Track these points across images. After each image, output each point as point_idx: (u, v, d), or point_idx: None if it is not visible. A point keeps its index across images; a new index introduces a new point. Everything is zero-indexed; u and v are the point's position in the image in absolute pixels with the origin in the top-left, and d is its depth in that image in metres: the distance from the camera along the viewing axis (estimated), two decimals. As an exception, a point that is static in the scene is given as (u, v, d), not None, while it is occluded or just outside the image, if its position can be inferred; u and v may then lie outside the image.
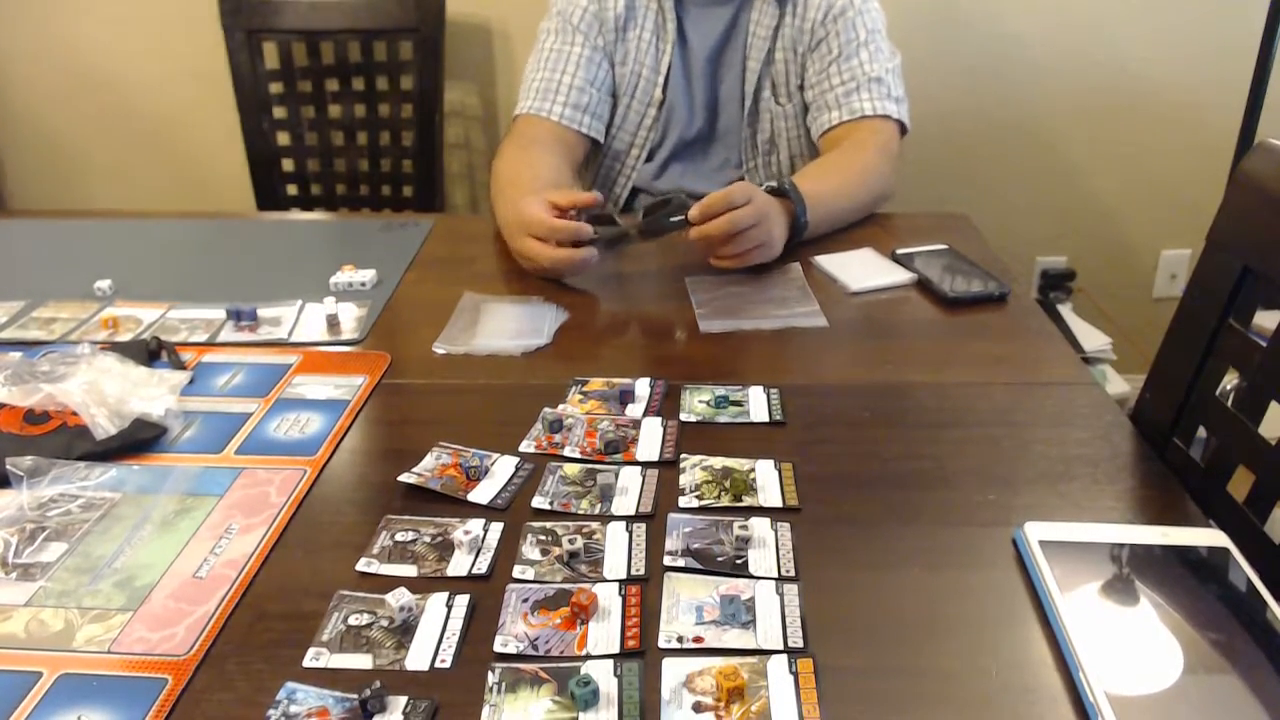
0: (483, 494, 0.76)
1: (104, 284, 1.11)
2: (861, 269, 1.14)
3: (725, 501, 0.75)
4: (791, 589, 0.66)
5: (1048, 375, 0.94)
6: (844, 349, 1.00)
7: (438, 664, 0.61)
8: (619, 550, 0.70)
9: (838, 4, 1.36)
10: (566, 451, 0.81)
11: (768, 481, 0.77)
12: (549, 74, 1.37)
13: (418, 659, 0.61)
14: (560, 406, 0.88)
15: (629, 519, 0.73)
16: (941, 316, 1.05)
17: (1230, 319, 0.81)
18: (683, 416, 0.86)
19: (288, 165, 1.98)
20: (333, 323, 1.04)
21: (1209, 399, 0.82)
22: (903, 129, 1.36)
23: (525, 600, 0.65)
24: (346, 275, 1.13)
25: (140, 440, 0.83)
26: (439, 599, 0.65)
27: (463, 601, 0.65)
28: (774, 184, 1.17)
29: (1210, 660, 0.60)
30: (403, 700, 0.57)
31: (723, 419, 0.86)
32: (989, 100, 2.02)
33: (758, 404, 0.88)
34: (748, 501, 0.75)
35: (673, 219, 1.05)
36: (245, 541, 0.71)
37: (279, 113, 1.94)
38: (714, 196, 1.05)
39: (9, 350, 0.96)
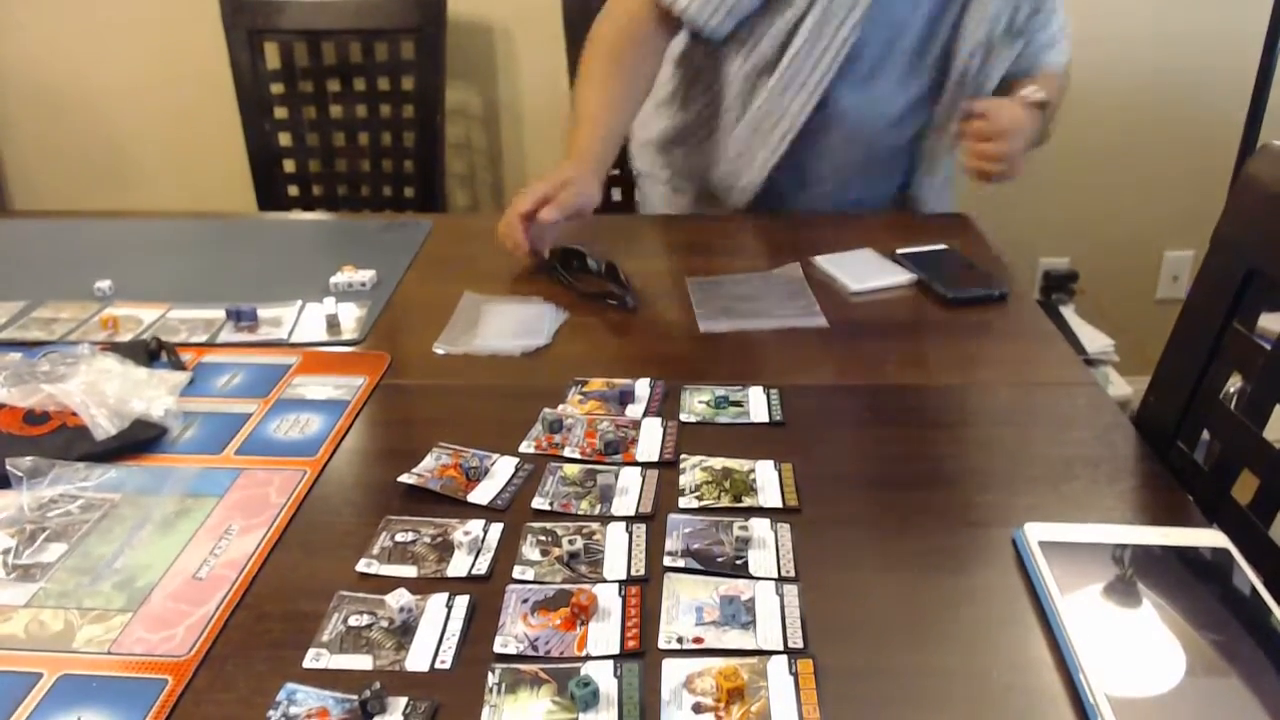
0: (483, 494, 0.76)
1: (104, 284, 1.11)
2: (862, 269, 1.14)
3: (725, 502, 0.75)
4: (791, 590, 0.66)
5: (1048, 376, 0.94)
6: (844, 349, 1.00)
7: (438, 665, 0.61)
8: (619, 551, 0.70)
9: None
10: (566, 452, 0.81)
11: (767, 482, 0.77)
12: None
13: (418, 660, 0.61)
14: (560, 407, 0.88)
15: (629, 519, 0.73)
16: (942, 317, 1.05)
17: (1234, 322, 0.80)
18: (682, 417, 0.86)
19: (289, 166, 1.98)
20: (333, 323, 1.04)
21: (1213, 402, 0.82)
22: None
23: (525, 601, 0.65)
24: (346, 275, 1.13)
25: (140, 441, 0.83)
26: (439, 600, 0.65)
27: (463, 602, 0.65)
28: (1039, 96, 1.23)
29: (1211, 662, 0.60)
30: (403, 701, 0.57)
31: (722, 419, 0.86)
32: (990, 101, 2.01)
33: (758, 404, 0.88)
34: (748, 502, 0.75)
35: (610, 300, 1.08)
36: (245, 542, 0.71)
37: (280, 113, 1.95)
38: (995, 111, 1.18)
39: (9, 350, 0.96)
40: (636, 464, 0.80)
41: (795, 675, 0.59)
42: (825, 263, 1.16)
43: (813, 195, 1.39)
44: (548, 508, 0.75)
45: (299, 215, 1.64)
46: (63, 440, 0.82)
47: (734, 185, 1.35)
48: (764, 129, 1.29)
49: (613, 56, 1.28)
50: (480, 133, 2.15)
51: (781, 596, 0.65)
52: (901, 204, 1.44)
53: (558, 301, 1.08)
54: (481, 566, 0.69)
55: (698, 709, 0.57)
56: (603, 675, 0.59)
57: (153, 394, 0.86)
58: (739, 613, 0.64)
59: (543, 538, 0.71)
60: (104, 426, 0.82)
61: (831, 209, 1.39)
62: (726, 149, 1.34)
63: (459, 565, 0.69)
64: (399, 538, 0.72)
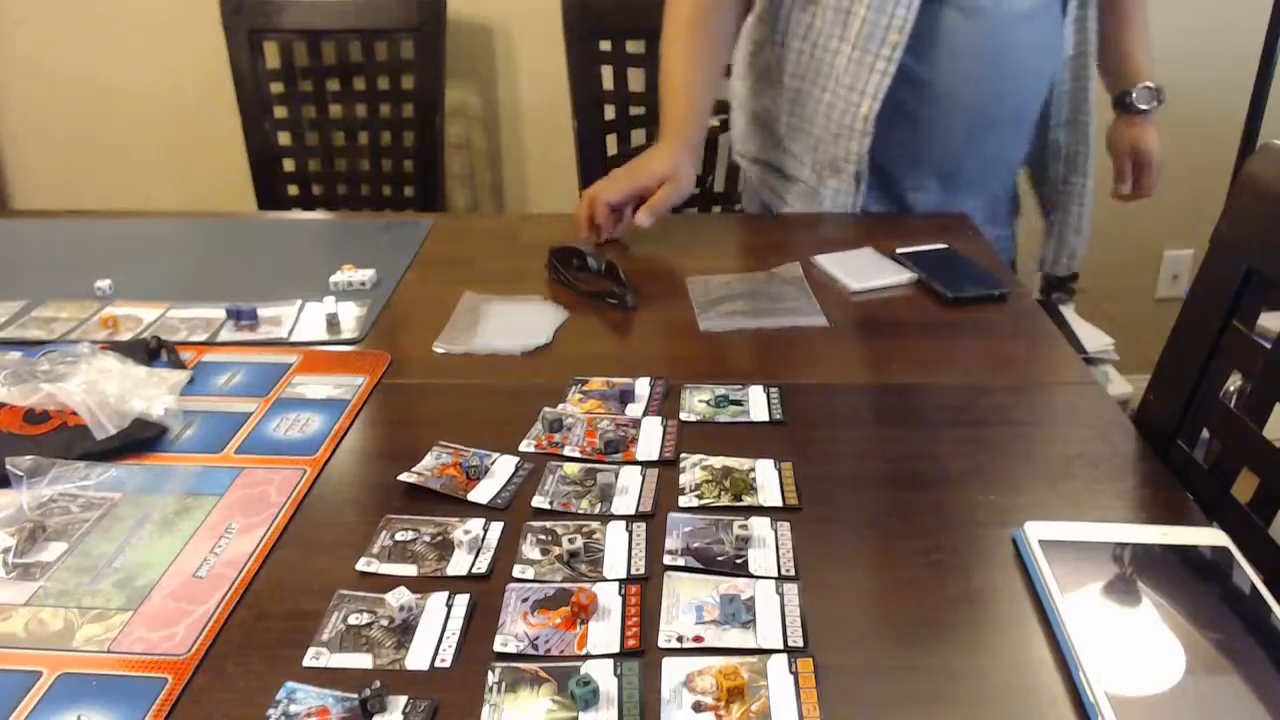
0: (483, 493, 0.76)
1: (104, 283, 1.11)
2: (862, 268, 1.14)
3: (725, 501, 0.75)
4: (791, 588, 0.66)
5: (1048, 375, 0.94)
6: (844, 349, 1.00)
7: (438, 663, 0.61)
8: (619, 550, 0.70)
9: None
10: (566, 451, 0.81)
11: (768, 481, 0.77)
12: None
13: (418, 658, 0.61)
14: (560, 406, 0.87)
15: (629, 518, 0.73)
16: (942, 316, 1.05)
17: (1234, 321, 0.80)
18: (683, 416, 0.86)
19: (289, 165, 1.98)
20: (332, 322, 1.04)
21: (1213, 401, 0.82)
22: None
23: (525, 600, 0.65)
24: (346, 275, 1.13)
25: (140, 440, 0.83)
26: (439, 598, 0.65)
27: (463, 601, 0.65)
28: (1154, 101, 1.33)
29: (1211, 660, 0.60)
30: (403, 700, 0.57)
31: (723, 418, 0.86)
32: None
33: (758, 403, 0.88)
34: (747, 501, 0.75)
35: (610, 299, 1.08)
36: (245, 541, 0.71)
37: (280, 112, 1.95)
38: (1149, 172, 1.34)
39: (9, 350, 0.96)
40: (636, 463, 0.80)
41: (795, 674, 0.59)
42: (825, 262, 1.16)
43: (947, 128, 1.25)
44: (548, 507, 0.75)
45: (299, 215, 1.64)
46: (63, 439, 0.82)
47: (853, 125, 1.22)
48: (871, 46, 1.18)
49: (694, 22, 1.26)
50: (480, 132, 2.16)
51: (781, 595, 0.65)
52: (1041, 169, 1.36)
53: (558, 301, 1.08)
54: (481, 565, 0.69)
55: (698, 708, 0.57)
56: (603, 674, 0.59)
57: (153, 393, 0.86)
58: (739, 612, 0.64)
59: (543, 536, 0.71)
60: (104, 426, 0.82)
61: (967, 147, 1.27)
62: (837, 88, 1.23)
63: (459, 564, 0.69)
64: (399, 536, 0.72)
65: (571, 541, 0.69)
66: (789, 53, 1.29)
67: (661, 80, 1.28)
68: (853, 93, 1.21)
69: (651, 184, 1.18)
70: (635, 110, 1.90)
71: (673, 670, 0.60)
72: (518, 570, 0.68)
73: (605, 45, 1.85)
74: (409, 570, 0.68)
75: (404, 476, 0.77)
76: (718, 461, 0.79)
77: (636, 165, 1.22)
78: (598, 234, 1.21)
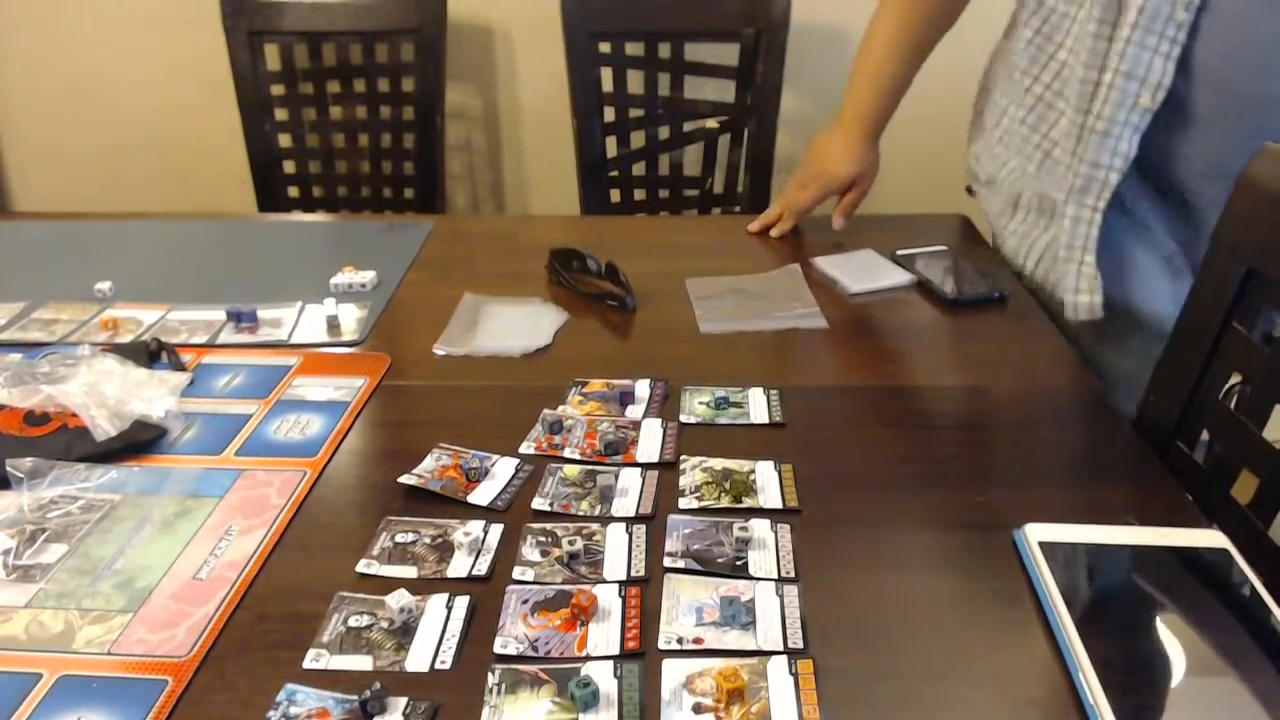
0: (483, 495, 0.76)
1: (104, 285, 1.11)
2: (862, 270, 1.14)
3: (725, 503, 0.75)
4: (791, 590, 0.66)
5: (1048, 377, 0.94)
6: (844, 350, 1.00)
7: (438, 665, 0.61)
8: (619, 551, 0.70)
9: None
10: (566, 453, 0.81)
11: (768, 483, 0.77)
12: None
13: (418, 660, 0.61)
14: (560, 408, 0.88)
15: (629, 520, 0.73)
16: (942, 318, 1.05)
17: (1234, 322, 0.80)
18: (683, 418, 0.86)
19: (289, 167, 1.98)
20: (333, 324, 1.04)
21: (1212, 402, 0.82)
22: None
23: (525, 601, 0.65)
24: (347, 276, 1.13)
25: (140, 441, 0.83)
26: (439, 600, 0.65)
27: (463, 603, 0.65)
28: None
29: (1210, 662, 0.60)
30: (403, 701, 0.57)
31: (723, 420, 0.86)
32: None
33: (758, 405, 0.88)
34: (748, 503, 0.75)
35: (610, 301, 1.08)
36: (245, 543, 0.71)
37: (280, 114, 1.95)
38: None
39: (9, 352, 0.96)
40: (636, 465, 0.80)
41: (795, 675, 0.59)
42: (825, 264, 1.16)
43: (1227, 126, 0.94)
44: (548, 508, 0.75)
45: (299, 216, 1.64)
46: (63, 441, 0.82)
47: (1127, 119, 0.96)
48: (1155, 26, 0.92)
49: (907, 4, 1.20)
50: (480, 134, 2.15)
51: (781, 597, 0.65)
52: None
53: (558, 302, 1.08)
54: (481, 567, 0.69)
55: (698, 709, 0.57)
56: (603, 676, 0.59)
57: (153, 395, 0.86)
58: (739, 613, 0.64)
59: (543, 538, 0.71)
60: (104, 427, 0.82)
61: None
62: (1113, 77, 0.96)
63: (459, 566, 0.69)
64: (399, 538, 0.72)
65: (571, 543, 0.69)
66: (1042, 55, 1.08)
67: (860, 54, 1.23)
68: (1131, 81, 0.95)
69: (834, 183, 1.24)
70: (635, 112, 1.90)
71: (673, 672, 0.60)
72: (518, 572, 0.68)
73: (605, 47, 1.85)
74: (409, 572, 0.68)
75: (404, 478, 0.77)
76: (718, 463, 0.79)
77: (824, 170, 1.25)
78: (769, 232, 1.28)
